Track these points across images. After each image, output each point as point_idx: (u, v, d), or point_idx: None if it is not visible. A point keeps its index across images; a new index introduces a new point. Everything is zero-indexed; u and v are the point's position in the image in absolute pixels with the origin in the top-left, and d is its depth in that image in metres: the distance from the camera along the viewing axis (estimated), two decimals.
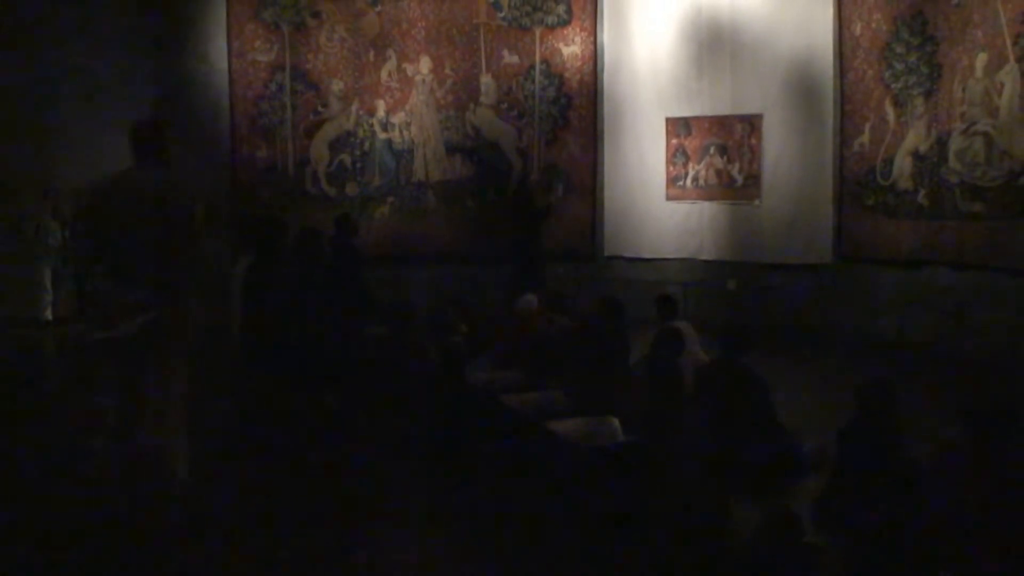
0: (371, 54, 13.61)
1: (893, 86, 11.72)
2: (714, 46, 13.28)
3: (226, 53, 13.14)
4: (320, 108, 13.51)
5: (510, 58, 14.00)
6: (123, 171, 5.35)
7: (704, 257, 13.56)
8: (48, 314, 13.08)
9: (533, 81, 14.08)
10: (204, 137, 12.98)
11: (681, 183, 13.73)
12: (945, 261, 11.07)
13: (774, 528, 4.38)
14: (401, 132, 13.77)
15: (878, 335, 11.57)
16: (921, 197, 11.41)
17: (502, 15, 13.94)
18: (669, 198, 13.77)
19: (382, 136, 13.73)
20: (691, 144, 13.60)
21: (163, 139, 5.31)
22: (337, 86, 13.49)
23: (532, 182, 13.63)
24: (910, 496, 4.87)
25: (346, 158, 13.61)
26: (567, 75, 14.10)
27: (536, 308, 8.97)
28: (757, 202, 13.10)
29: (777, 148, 12.96)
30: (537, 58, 14.06)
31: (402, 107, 13.77)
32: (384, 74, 13.66)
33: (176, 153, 5.38)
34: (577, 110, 14.19)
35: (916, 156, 11.46)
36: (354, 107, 13.58)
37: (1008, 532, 4.39)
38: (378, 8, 13.56)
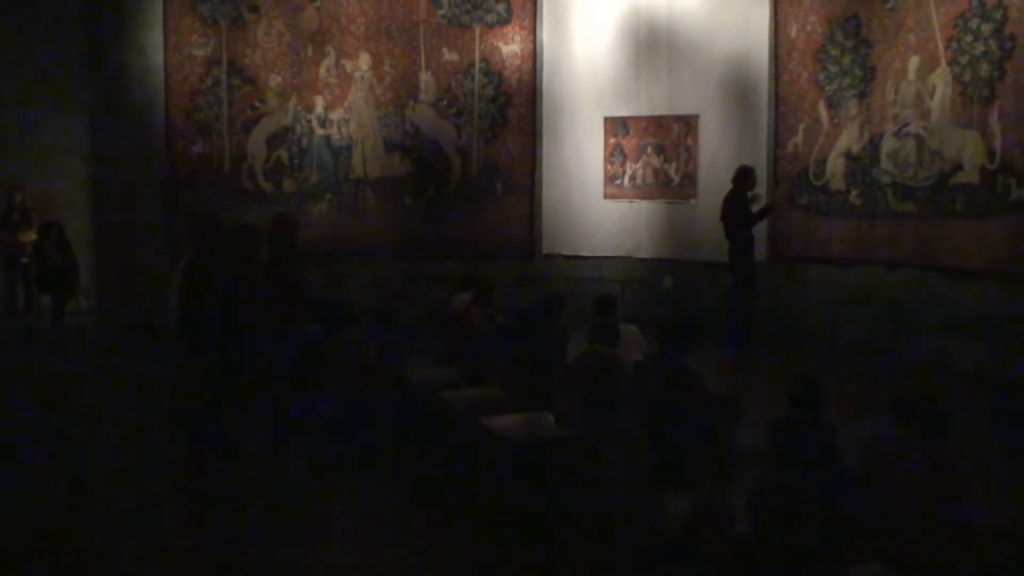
0: (309, 49, 13.50)
1: (827, 88, 11.91)
2: (652, 47, 13.40)
3: (162, 47, 12.94)
4: (257, 103, 13.36)
5: (450, 56, 13.99)
6: None
7: (641, 255, 13.66)
8: None
9: (472, 79, 14.08)
10: (139, 131, 12.79)
11: (619, 182, 13.83)
12: (877, 260, 11.26)
13: (704, 520, 4.42)
14: (339, 128, 13.69)
15: (811, 332, 11.71)
16: (853, 197, 11.60)
17: (442, 13, 13.92)
18: (607, 197, 13.87)
19: (320, 132, 13.63)
20: (629, 143, 13.71)
21: None
22: (275, 81, 13.36)
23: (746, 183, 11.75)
24: (841, 489, 4.94)
25: (283, 154, 13.48)
26: (506, 73, 14.13)
27: (470, 305, 8.97)
28: (693, 201, 13.23)
29: (713, 148, 13.10)
30: (477, 56, 14.07)
31: (341, 103, 13.68)
32: (323, 70, 13.56)
33: None
34: (516, 108, 14.22)
35: (849, 157, 11.65)
36: (292, 103, 13.46)
37: (937, 524, 4.48)
38: (317, 3, 13.46)
